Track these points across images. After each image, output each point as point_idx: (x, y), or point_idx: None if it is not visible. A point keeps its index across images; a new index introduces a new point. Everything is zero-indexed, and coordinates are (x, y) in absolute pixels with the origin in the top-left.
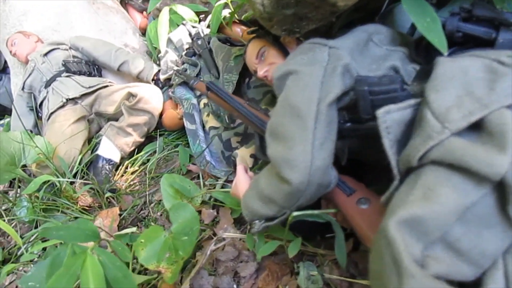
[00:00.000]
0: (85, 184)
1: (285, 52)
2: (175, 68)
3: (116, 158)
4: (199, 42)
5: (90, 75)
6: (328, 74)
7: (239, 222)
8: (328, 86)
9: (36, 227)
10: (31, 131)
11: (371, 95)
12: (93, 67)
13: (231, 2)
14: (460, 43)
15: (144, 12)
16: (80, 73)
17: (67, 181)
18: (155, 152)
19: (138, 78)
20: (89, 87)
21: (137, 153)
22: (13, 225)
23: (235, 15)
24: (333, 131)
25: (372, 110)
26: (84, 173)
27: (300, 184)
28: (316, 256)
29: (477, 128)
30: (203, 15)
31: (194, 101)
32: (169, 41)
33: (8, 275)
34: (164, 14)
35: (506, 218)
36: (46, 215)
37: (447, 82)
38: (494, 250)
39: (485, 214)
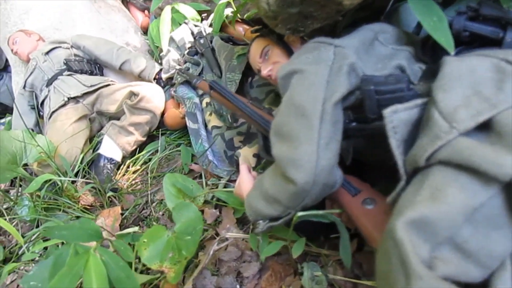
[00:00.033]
0: (87, 183)
1: (289, 51)
2: (177, 67)
3: (118, 157)
4: (202, 41)
5: (91, 73)
6: (334, 73)
7: (242, 222)
8: (333, 85)
9: (37, 226)
10: (32, 130)
11: (377, 95)
12: (95, 66)
13: (233, 1)
14: (467, 43)
15: (146, 11)
16: (82, 71)
17: (69, 180)
18: (156, 151)
19: (140, 77)
20: (91, 86)
21: (138, 152)
22: (14, 224)
23: (237, 14)
24: (339, 131)
25: (378, 109)
26: (85, 172)
27: (305, 184)
28: (319, 257)
29: (485, 128)
30: (205, 14)
31: (196, 100)
32: (171, 40)
33: (9, 274)
34: (166, 13)
35: None
36: (48, 214)
37: (454, 81)
38: (502, 251)
39: (493, 215)
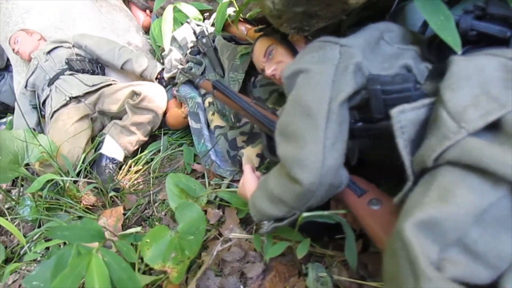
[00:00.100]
0: (89, 183)
1: (293, 51)
2: (180, 66)
3: (120, 157)
4: (204, 40)
5: (93, 73)
6: (340, 73)
7: (245, 222)
8: (339, 85)
9: (39, 226)
10: (34, 130)
11: (384, 94)
12: (97, 65)
13: (236, 0)
14: (474, 42)
15: (147, 10)
16: (84, 71)
17: (71, 180)
18: (158, 151)
19: (142, 77)
20: (93, 86)
21: (140, 152)
22: (16, 224)
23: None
24: (345, 131)
25: (385, 109)
26: (87, 172)
27: (311, 184)
28: (324, 257)
29: (493, 128)
30: (207, 14)
31: (199, 99)
32: (173, 39)
33: (11, 274)
34: (168, 12)
35: None
36: (50, 214)
37: (462, 81)
38: (511, 252)
39: (502, 215)
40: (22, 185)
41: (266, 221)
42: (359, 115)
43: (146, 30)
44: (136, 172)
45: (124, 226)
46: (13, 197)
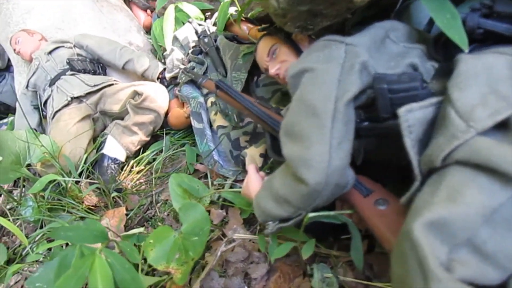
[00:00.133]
0: (91, 183)
1: (297, 50)
2: (181, 66)
3: (122, 157)
4: (206, 40)
5: (94, 73)
6: (346, 72)
7: (249, 223)
8: (345, 84)
9: (41, 227)
10: (36, 130)
11: (391, 93)
12: (98, 66)
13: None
14: (480, 40)
15: (148, 10)
16: (85, 71)
17: (73, 181)
18: (161, 151)
19: (143, 77)
20: (94, 86)
21: (142, 152)
22: (17, 224)
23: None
24: (351, 131)
25: (391, 108)
26: (89, 173)
27: (317, 184)
28: (329, 258)
29: (502, 127)
30: (209, 13)
31: (201, 99)
32: (175, 39)
33: (13, 275)
34: (170, 12)
35: None
36: (52, 214)
37: (470, 79)
38: None
39: None
40: (24, 186)
41: (271, 222)
42: (365, 115)
43: (147, 30)
44: (138, 173)
45: (127, 227)
46: (15, 198)
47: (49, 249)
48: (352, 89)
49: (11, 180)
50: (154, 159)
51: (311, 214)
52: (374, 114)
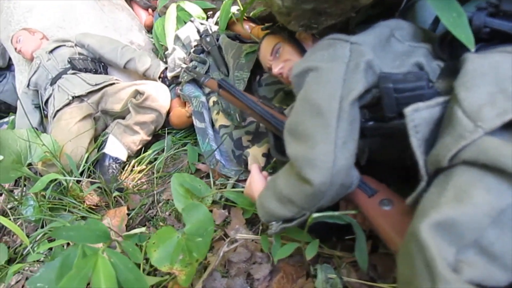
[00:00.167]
0: (92, 183)
1: (300, 49)
2: (183, 65)
3: (123, 157)
4: (208, 39)
5: (96, 72)
6: (351, 71)
7: (251, 223)
8: (350, 83)
9: (42, 227)
10: (37, 129)
11: (396, 93)
12: (99, 65)
13: None
14: (486, 39)
15: (149, 9)
16: (86, 70)
17: (74, 180)
18: (162, 150)
19: (145, 76)
20: (95, 85)
21: (144, 152)
22: (18, 224)
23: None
24: (356, 130)
25: (397, 108)
26: (90, 172)
27: (322, 184)
28: (332, 258)
29: (510, 127)
30: (211, 12)
31: (203, 99)
32: (177, 38)
33: (14, 274)
34: (172, 11)
35: None
36: (53, 214)
37: (477, 79)
38: None
39: None
40: (25, 185)
41: (275, 222)
42: (369, 114)
43: (149, 29)
44: (139, 172)
45: (128, 227)
46: (16, 197)
47: (50, 248)
48: (357, 88)
49: (12, 179)
50: (156, 159)
51: (316, 215)
52: (379, 113)
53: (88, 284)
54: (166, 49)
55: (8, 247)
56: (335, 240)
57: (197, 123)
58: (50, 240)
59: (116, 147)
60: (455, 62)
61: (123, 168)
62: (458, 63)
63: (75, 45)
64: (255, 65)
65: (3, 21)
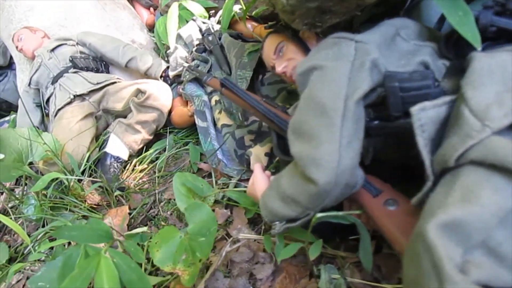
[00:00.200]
0: (93, 182)
1: (304, 47)
2: (185, 64)
3: (124, 156)
4: (210, 38)
5: (97, 71)
6: (356, 70)
7: (253, 223)
8: (355, 82)
9: (43, 226)
10: (38, 128)
11: (402, 92)
12: (101, 63)
13: None
14: (493, 38)
15: (151, 8)
16: (88, 69)
17: (75, 179)
18: (164, 150)
19: (146, 75)
20: (97, 84)
21: (145, 151)
22: (19, 223)
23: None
24: (361, 129)
25: (403, 107)
26: (92, 171)
27: (327, 184)
28: (335, 259)
29: None
30: (213, 11)
31: (205, 98)
32: (179, 37)
33: (15, 274)
34: (174, 10)
35: None
36: (54, 213)
37: (485, 78)
38: None
39: None
40: (26, 184)
41: (278, 222)
42: (374, 113)
43: (150, 28)
44: (141, 171)
45: (130, 226)
46: (17, 196)
47: (51, 248)
48: (363, 87)
49: (13, 178)
50: (157, 158)
51: (320, 214)
52: (384, 113)
53: (90, 284)
54: (168, 48)
55: (9, 246)
56: (338, 240)
57: (199, 122)
58: (51, 239)
59: (118, 146)
60: (461, 61)
61: (124, 167)
62: (464, 62)
63: (77, 43)
64: (257, 64)
65: (5, 20)
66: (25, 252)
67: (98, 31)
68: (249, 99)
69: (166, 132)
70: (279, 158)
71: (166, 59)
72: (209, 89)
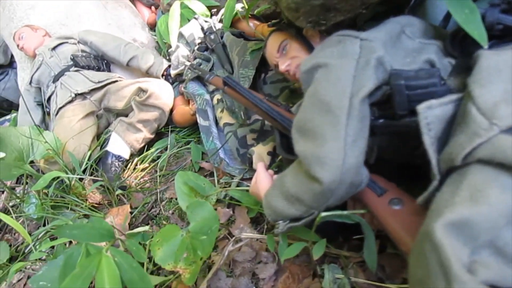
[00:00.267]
0: (95, 181)
1: (308, 46)
2: (187, 63)
3: (126, 155)
4: (212, 36)
5: (99, 69)
6: (361, 68)
7: (256, 222)
8: (361, 80)
9: (44, 225)
10: (39, 127)
11: (408, 90)
12: (102, 62)
13: None
14: (499, 36)
15: (152, 7)
16: (89, 67)
17: (76, 178)
18: (165, 149)
19: (148, 73)
20: (98, 82)
21: (147, 150)
22: (20, 221)
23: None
24: (366, 128)
25: (409, 105)
26: (93, 170)
27: (332, 183)
28: (339, 258)
29: None
30: (215, 10)
31: (207, 96)
32: (180, 35)
33: (16, 273)
34: (175, 9)
35: None
36: (55, 212)
37: (492, 76)
38: None
39: None
40: (27, 183)
41: (281, 221)
42: (379, 112)
43: (151, 27)
44: (142, 170)
45: (131, 225)
46: (18, 195)
47: (52, 247)
48: (368, 85)
49: (14, 176)
50: (159, 157)
51: (324, 214)
52: (389, 111)
53: (91, 283)
54: (169, 46)
55: (10, 245)
56: (341, 240)
57: (201, 121)
58: (52, 238)
59: (119, 145)
60: (467, 59)
61: (125, 166)
62: (471, 60)
63: (78, 42)
64: (260, 63)
65: (6, 18)
66: (26, 251)
67: (100, 29)
68: (252, 98)
69: (168, 131)
70: (282, 157)
71: (167, 57)
72: (211, 87)
